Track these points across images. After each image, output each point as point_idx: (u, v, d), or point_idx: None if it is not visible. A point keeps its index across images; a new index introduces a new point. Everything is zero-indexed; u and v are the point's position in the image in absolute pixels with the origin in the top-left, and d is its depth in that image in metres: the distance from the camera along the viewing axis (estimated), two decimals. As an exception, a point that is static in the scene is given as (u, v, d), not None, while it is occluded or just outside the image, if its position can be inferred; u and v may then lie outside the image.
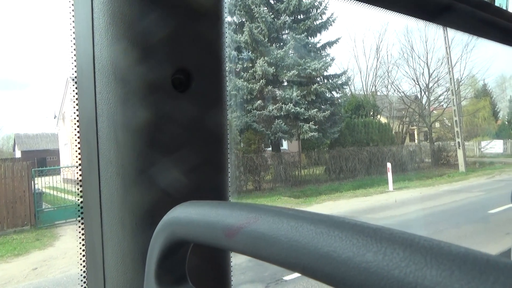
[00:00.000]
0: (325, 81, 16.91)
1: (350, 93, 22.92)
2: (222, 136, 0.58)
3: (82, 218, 0.58)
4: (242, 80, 14.96)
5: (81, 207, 0.58)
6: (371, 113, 21.78)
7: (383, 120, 22.62)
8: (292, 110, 15.10)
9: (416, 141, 26.74)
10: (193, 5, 0.53)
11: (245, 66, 15.38)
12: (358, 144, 17.98)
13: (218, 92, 0.57)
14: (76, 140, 0.57)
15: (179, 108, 0.52)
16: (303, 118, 15.48)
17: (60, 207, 10.30)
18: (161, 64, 0.51)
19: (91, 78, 0.52)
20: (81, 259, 0.59)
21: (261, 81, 14.85)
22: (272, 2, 16.67)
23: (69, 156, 19.33)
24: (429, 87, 23.99)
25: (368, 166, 17.02)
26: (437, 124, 25.33)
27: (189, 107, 0.53)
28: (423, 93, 24.33)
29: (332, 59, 17.03)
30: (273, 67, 14.99)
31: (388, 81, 26.05)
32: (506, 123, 30.18)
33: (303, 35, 16.20)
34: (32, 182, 9.87)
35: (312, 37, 17.14)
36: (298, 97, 15.43)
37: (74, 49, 0.57)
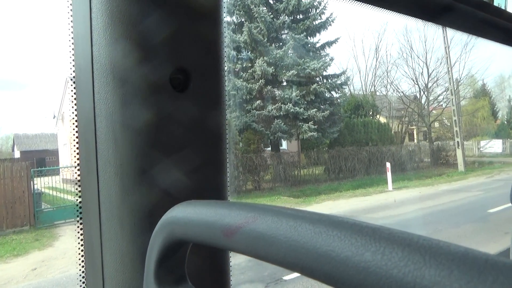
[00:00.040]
0: (325, 81, 16.92)
1: (349, 93, 22.94)
2: (221, 136, 0.57)
3: (81, 218, 0.58)
4: (242, 80, 14.97)
5: (80, 207, 0.58)
6: (370, 113, 21.80)
7: (383, 120, 22.64)
8: (292, 110, 15.11)
9: (415, 140, 26.77)
10: (192, 5, 0.53)
11: (244, 66, 15.38)
12: (358, 144, 17.99)
13: (217, 92, 0.57)
14: (74, 140, 0.57)
15: (178, 108, 0.52)
16: (302, 118, 15.49)
17: (60, 207, 10.29)
18: (160, 64, 0.51)
19: (90, 78, 0.52)
20: (80, 259, 0.59)
21: (260, 81, 14.85)
22: (271, 2, 16.68)
23: (68, 156, 19.30)
24: (428, 87, 24.04)
25: (368, 165, 17.03)
26: (436, 124, 25.36)
27: (188, 107, 0.53)
28: (422, 93, 24.38)
29: (331, 59, 17.04)
30: (272, 67, 14.99)
31: (387, 81, 26.11)
32: (505, 122, 30.22)
33: (302, 35, 16.21)
34: (31, 182, 9.87)
35: (312, 37, 17.15)
36: (298, 97, 15.43)
37: (73, 49, 0.57)
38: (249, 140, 14.66)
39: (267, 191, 14.02)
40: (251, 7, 15.46)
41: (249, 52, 15.36)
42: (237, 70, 15.47)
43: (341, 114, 18.32)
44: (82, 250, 0.58)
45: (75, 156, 0.57)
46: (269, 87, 15.19)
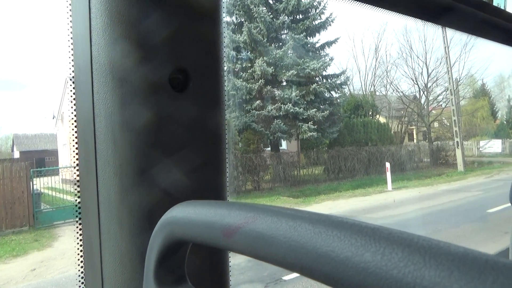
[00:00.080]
0: (324, 81, 16.93)
1: (349, 93, 22.94)
2: (220, 136, 0.57)
3: (80, 219, 0.58)
4: (241, 80, 14.97)
5: (79, 208, 0.58)
6: (370, 113, 21.81)
7: (382, 120, 22.66)
8: (291, 110, 15.11)
9: (415, 140, 26.79)
10: (192, 5, 0.53)
11: (244, 66, 15.39)
12: (357, 144, 18.00)
13: (216, 92, 0.57)
14: (74, 140, 0.57)
15: (177, 108, 0.52)
16: (302, 118, 15.49)
17: (59, 207, 10.28)
18: (159, 64, 0.51)
19: (89, 78, 0.52)
20: (79, 259, 0.59)
21: (260, 81, 14.86)
22: (271, 2, 16.68)
23: (68, 156, 19.29)
24: (428, 86, 24.06)
25: (367, 165, 17.04)
26: (435, 124, 25.39)
27: (187, 107, 0.53)
28: (421, 92, 24.41)
29: (331, 59, 17.06)
30: (272, 67, 15.00)
31: (387, 81, 26.10)
32: (505, 122, 30.25)
33: (302, 35, 16.21)
34: (31, 182, 9.85)
35: (311, 37, 17.16)
36: (297, 97, 15.44)
37: (72, 49, 0.57)
38: (248, 140, 14.66)
39: (267, 191, 14.02)
40: (251, 7, 15.46)
41: (249, 52, 15.37)
42: (236, 70, 15.47)
43: (340, 114, 18.34)
44: (81, 251, 0.58)
45: (74, 157, 0.57)
46: (268, 87, 15.20)
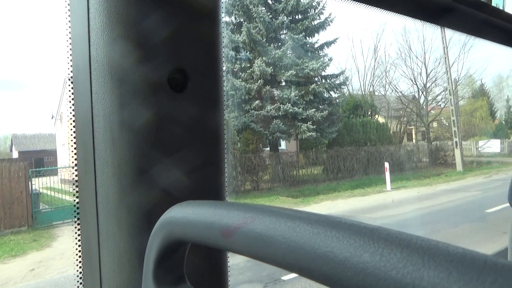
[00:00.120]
0: (323, 81, 16.94)
1: (348, 93, 22.95)
2: (219, 136, 0.57)
3: (78, 219, 0.58)
4: (240, 80, 14.97)
5: (77, 208, 0.57)
6: (369, 113, 21.83)
7: (381, 120, 22.68)
8: (290, 110, 15.12)
9: (413, 140, 26.82)
10: (190, 5, 0.53)
11: (243, 66, 15.39)
12: (356, 144, 18.02)
13: (215, 92, 0.57)
14: (72, 140, 0.57)
15: (176, 108, 0.52)
16: (301, 118, 15.50)
17: (58, 207, 10.26)
18: (158, 64, 0.51)
19: (88, 78, 0.51)
20: (77, 259, 0.59)
21: (259, 81, 14.86)
22: (270, 2, 16.68)
23: (67, 156, 19.26)
24: (427, 87, 24.09)
25: (366, 165, 17.05)
26: (434, 124, 25.43)
27: (186, 107, 0.53)
28: (420, 93, 24.44)
29: (330, 59, 17.08)
30: (271, 67, 15.00)
31: (386, 81, 26.11)
32: (503, 122, 30.31)
33: (301, 35, 16.22)
34: (30, 182, 9.84)
35: (310, 37, 17.17)
36: (296, 97, 15.44)
37: (71, 49, 0.57)
38: (247, 140, 14.66)
39: (266, 191, 14.02)
40: (250, 7, 15.46)
41: (248, 52, 15.37)
42: (236, 70, 15.47)
43: (339, 114, 18.35)
44: (79, 251, 0.58)
45: (72, 157, 0.57)
46: (267, 87, 15.20)
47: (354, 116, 20.26)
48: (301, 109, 15.44)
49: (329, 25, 17.15)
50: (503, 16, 1.24)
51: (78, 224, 0.58)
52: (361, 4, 0.94)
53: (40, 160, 27.75)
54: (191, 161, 0.53)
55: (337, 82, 17.18)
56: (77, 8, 0.54)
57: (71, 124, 0.57)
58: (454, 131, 18.06)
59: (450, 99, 18.13)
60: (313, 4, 16.86)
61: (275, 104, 15.17)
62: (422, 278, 0.17)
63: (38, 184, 10.58)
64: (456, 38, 23.21)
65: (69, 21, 0.57)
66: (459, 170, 17.97)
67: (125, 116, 0.50)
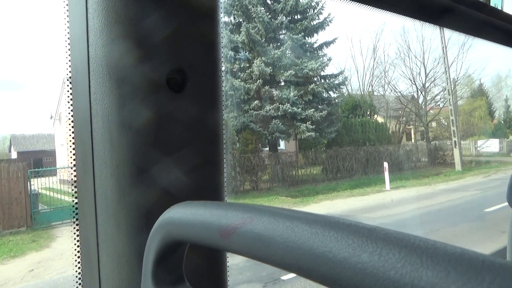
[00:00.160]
0: (322, 81, 16.94)
1: (347, 93, 22.97)
2: (218, 136, 0.58)
3: (77, 219, 0.58)
4: (239, 80, 14.97)
5: (76, 208, 0.57)
6: (368, 113, 21.84)
7: (380, 119, 22.70)
8: (289, 110, 15.12)
9: (412, 140, 26.85)
10: (189, 6, 0.53)
11: (242, 66, 15.39)
12: (355, 144, 18.03)
13: (214, 92, 0.57)
14: (71, 141, 0.57)
15: (175, 109, 0.52)
16: (300, 118, 15.50)
17: (57, 208, 10.24)
18: (157, 64, 0.51)
19: (86, 79, 0.51)
20: (76, 260, 0.59)
21: (258, 81, 14.86)
22: (269, 2, 16.68)
23: (66, 157, 19.23)
24: (426, 86, 24.11)
25: (365, 165, 17.06)
26: (433, 124, 25.46)
27: (184, 108, 0.53)
28: (419, 92, 24.46)
29: (329, 59, 17.08)
30: (270, 67, 15.00)
31: (385, 81, 26.14)
32: (502, 122, 30.36)
33: (300, 35, 16.22)
34: (28, 183, 9.82)
35: (309, 37, 17.17)
36: (295, 97, 15.45)
37: (69, 50, 0.57)
38: (247, 140, 14.66)
39: (265, 191, 14.02)
40: (249, 7, 15.46)
41: (247, 52, 15.37)
42: (235, 70, 15.47)
43: (338, 114, 18.36)
44: (78, 251, 0.58)
45: (71, 157, 0.57)
46: (267, 87, 15.20)
47: (353, 116, 20.28)
48: (300, 109, 15.45)
49: (328, 25, 17.16)
50: (502, 16, 1.24)
51: (77, 224, 0.58)
52: (360, 4, 0.94)
53: (39, 161, 27.70)
54: (190, 161, 0.53)
55: (336, 82, 17.19)
56: (75, 8, 0.54)
57: (69, 124, 0.57)
58: (453, 130, 18.08)
59: (449, 99, 18.16)
60: (312, 4, 16.87)
61: (274, 104, 15.18)
62: (421, 278, 0.17)
63: (37, 184, 10.56)
64: (455, 38, 23.25)
65: (67, 21, 0.57)
66: (458, 170, 17.99)
67: (124, 116, 0.50)
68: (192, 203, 0.32)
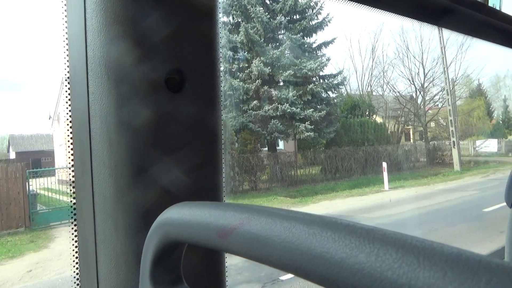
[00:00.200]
0: (321, 81, 16.96)
1: (346, 93, 22.99)
2: (216, 136, 0.57)
3: (75, 220, 0.57)
4: (238, 80, 14.96)
5: (74, 209, 0.57)
6: (367, 113, 21.87)
7: (379, 120, 22.72)
8: (288, 110, 15.13)
9: (411, 140, 26.89)
10: (187, 5, 0.53)
11: (241, 66, 15.38)
12: (354, 144, 18.05)
13: (212, 93, 0.57)
14: (69, 141, 0.57)
15: (173, 109, 0.52)
16: (299, 118, 15.51)
17: (55, 208, 10.22)
18: (155, 64, 0.50)
19: (84, 79, 0.51)
20: (74, 260, 0.59)
21: (257, 81, 14.86)
22: (268, 2, 16.69)
23: (64, 157, 19.20)
24: (424, 86, 24.16)
25: (364, 165, 17.08)
26: (432, 124, 25.49)
27: (183, 108, 0.53)
28: (418, 92, 24.50)
29: (328, 59, 17.09)
30: (269, 67, 15.00)
31: (383, 81, 26.17)
32: (501, 122, 30.43)
33: (299, 35, 16.23)
34: (27, 183, 9.80)
35: (308, 37, 17.18)
36: (294, 97, 15.45)
37: (67, 50, 0.57)
38: (245, 140, 14.66)
39: (264, 191, 14.03)
40: (248, 7, 15.46)
41: (246, 52, 15.37)
42: (233, 70, 15.47)
43: (337, 114, 18.37)
44: (76, 252, 0.58)
45: (69, 157, 0.57)
46: (265, 87, 15.20)
47: (352, 116, 20.30)
48: (299, 109, 15.45)
49: (327, 25, 17.18)
50: (500, 17, 1.25)
51: (75, 225, 0.58)
52: (359, 4, 0.94)
53: (37, 161, 27.64)
54: (188, 161, 0.53)
55: (335, 82, 17.20)
56: (74, 8, 0.54)
57: (68, 124, 0.57)
58: (452, 131, 18.12)
59: (448, 99, 18.19)
60: (311, 4, 16.88)
61: (273, 104, 15.18)
62: (418, 278, 0.17)
63: (36, 184, 10.54)
64: (453, 38, 23.29)
65: (66, 21, 0.57)
66: (456, 170, 18.02)
67: (122, 117, 0.50)
68: (190, 204, 0.32)
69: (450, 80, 19.09)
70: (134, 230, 0.50)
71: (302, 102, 15.74)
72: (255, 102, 14.93)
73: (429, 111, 24.93)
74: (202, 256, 0.55)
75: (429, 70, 23.91)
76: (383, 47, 41.23)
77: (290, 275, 5.49)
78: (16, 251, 7.72)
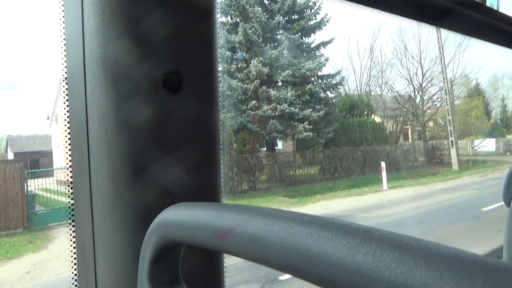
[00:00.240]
0: (320, 81, 16.97)
1: (344, 93, 23.02)
2: (214, 137, 0.57)
3: (73, 220, 0.57)
4: (237, 80, 14.96)
5: (72, 209, 0.57)
6: (365, 113, 21.89)
7: (377, 119, 22.75)
8: (287, 110, 15.13)
9: (410, 140, 26.93)
10: (186, 6, 0.53)
11: (239, 66, 15.38)
12: (353, 144, 18.07)
13: (210, 93, 0.57)
14: (67, 141, 0.57)
15: (172, 110, 0.52)
16: (297, 118, 15.51)
17: (53, 209, 10.20)
18: (153, 65, 0.50)
19: (82, 79, 0.51)
20: (72, 261, 0.59)
21: (255, 81, 14.86)
22: (266, 2, 16.69)
23: (62, 157, 19.14)
24: (423, 86, 24.20)
25: (363, 165, 17.10)
26: (430, 123, 25.54)
27: (181, 108, 0.53)
28: (416, 92, 24.54)
29: (326, 59, 17.09)
30: (267, 67, 15.01)
31: (382, 81, 26.21)
32: (499, 121, 30.51)
33: (297, 35, 16.24)
34: (25, 184, 9.77)
35: (306, 37, 17.19)
36: (293, 97, 15.46)
37: (65, 50, 0.57)
38: (244, 140, 14.66)
39: (263, 191, 14.02)
40: (246, 8, 15.46)
41: (244, 52, 15.37)
42: (232, 70, 15.46)
43: (336, 114, 18.39)
44: (74, 252, 0.58)
45: (67, 158, 0.57)
46: (264, 88, 15.20)
47: (350, 116, 20.32)
48: (297, 109, 15.46)
49: (325, 25, 17.19)
50: (498, 17, 1.25)
51: (73, 225, 0.58)
52: (358, 4, 0.94)
53: (35, 161, 27.55)
54: (187, 162, 0.53)
55: (334, 82, 17.22)
56: (71, 8, 0.54)
57: (65, 125, 0.57)
58: (450, 130, 18.15)
59: (446, 98, 18.23)
60: (309, 4, 16.88)
61: (272, 104, 15.18)
62: (414, 278, 0.17)
63: (34, 185, 10.51)
64: (451, 38, 23.33)
65: (63, 22, 0.57)
66: (455, 169, 18.06)
67: (120, 117, 0.50)
68: (188, 204, 0.32)
69: (448, 79, 19.13)
70: (132, 230, 0.50)
71: (301, 102, 15.75)
72: (253, 102, 14.93)
73: (428, 110, 24.98)
74: (200, 256, 0.55)
75: (427, 70, 23.98)
76: (382, 47, 41.27)
77: (289, 275, 5.48)
78: (15, 252, 7.70)
